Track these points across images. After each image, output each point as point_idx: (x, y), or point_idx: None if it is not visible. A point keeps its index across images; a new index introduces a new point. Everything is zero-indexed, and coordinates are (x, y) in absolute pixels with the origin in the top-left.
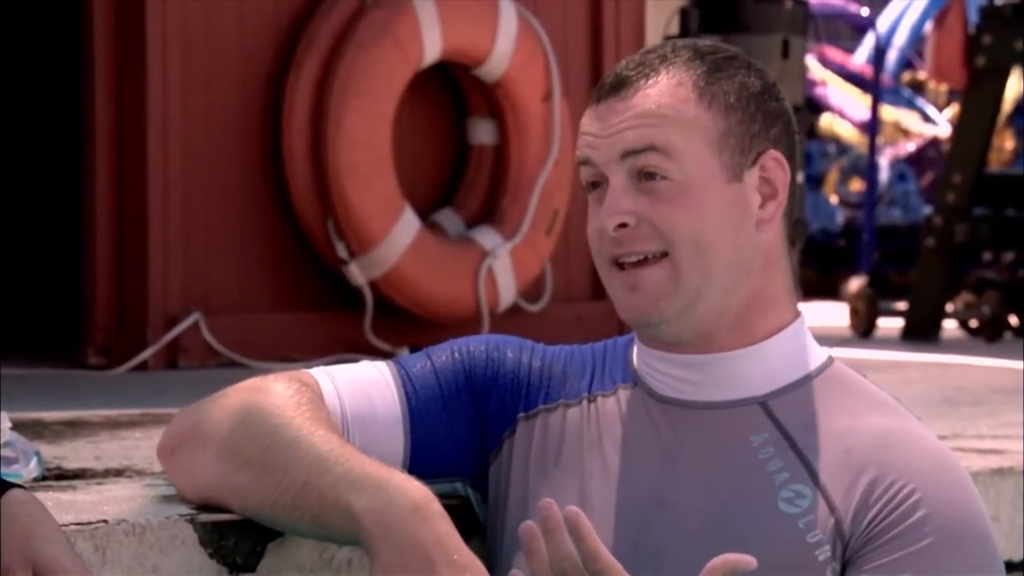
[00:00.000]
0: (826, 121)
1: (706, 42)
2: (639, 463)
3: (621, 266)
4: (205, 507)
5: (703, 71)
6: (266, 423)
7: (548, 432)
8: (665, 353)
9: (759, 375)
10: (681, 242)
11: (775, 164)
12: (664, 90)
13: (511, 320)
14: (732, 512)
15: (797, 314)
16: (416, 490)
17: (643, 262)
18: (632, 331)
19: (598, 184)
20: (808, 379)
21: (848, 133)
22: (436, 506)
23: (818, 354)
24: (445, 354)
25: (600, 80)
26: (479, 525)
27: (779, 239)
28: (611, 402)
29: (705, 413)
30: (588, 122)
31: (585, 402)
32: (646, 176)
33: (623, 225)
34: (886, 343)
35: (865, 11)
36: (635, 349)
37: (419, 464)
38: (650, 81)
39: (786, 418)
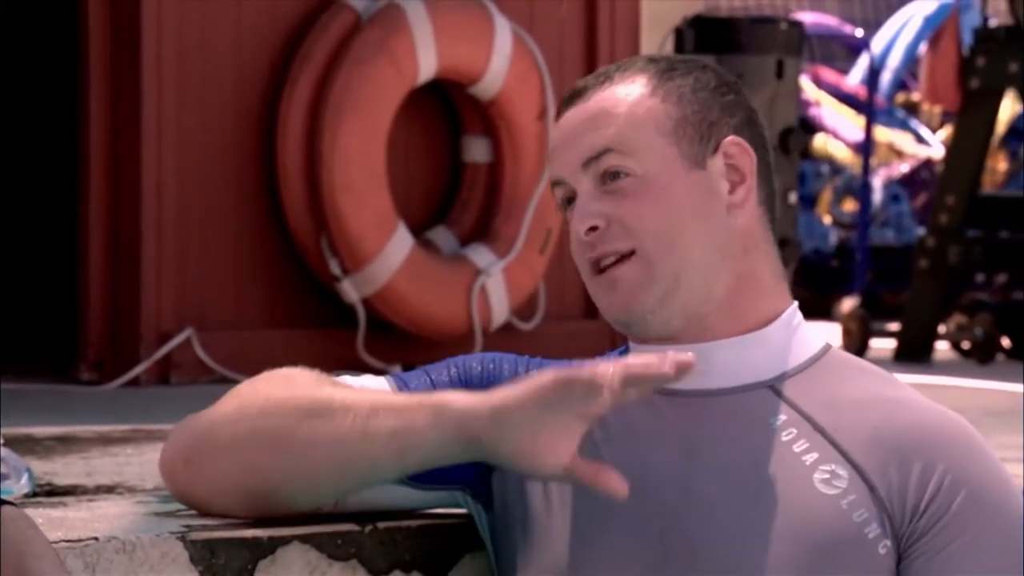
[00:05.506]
0: (820, 141)
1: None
2: (654, 458)
3: (601, 271)
4: (225, 515)
5: (656, 71)
6: (291, 387)
7: None
8: (660, 347)
9: (761, 361)
10: (649, 235)
11: (738, 150)
12: (617, 90)
13: (504, 338)
14: (768, 496)
15: (791, 302)
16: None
17: (618, 261)
18: (624, 345)
19: (573, 200)
20: (812, 361)
21: (842, 154)
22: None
23: (816, 341)
24: (443, 370)
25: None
26: (479, 539)
27: (757, 224)
28: None
29: (714, 400)
30: (553, 137)
31: None
32: (611, 177)
33: (594, 228)
34: (878, 364)
35: (859, 32)
36: (630, 354)
37: (418, 475)
38: (604, 85)
39: (800, 399)
